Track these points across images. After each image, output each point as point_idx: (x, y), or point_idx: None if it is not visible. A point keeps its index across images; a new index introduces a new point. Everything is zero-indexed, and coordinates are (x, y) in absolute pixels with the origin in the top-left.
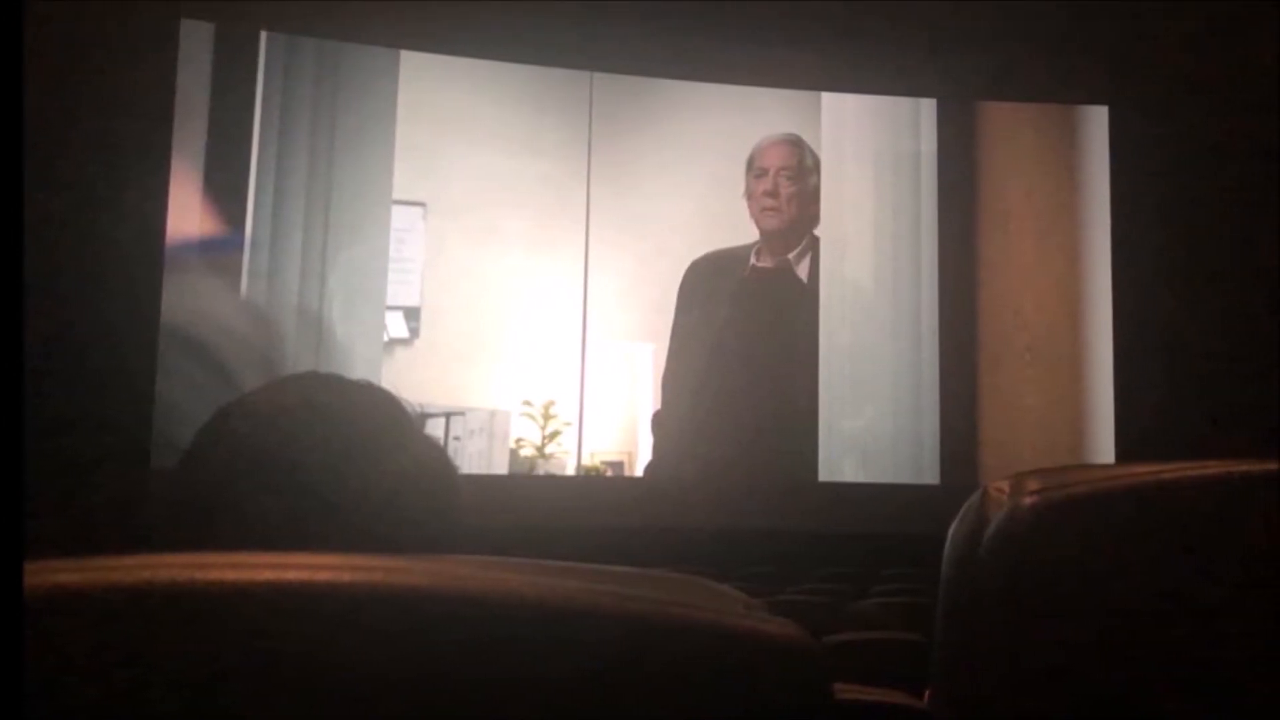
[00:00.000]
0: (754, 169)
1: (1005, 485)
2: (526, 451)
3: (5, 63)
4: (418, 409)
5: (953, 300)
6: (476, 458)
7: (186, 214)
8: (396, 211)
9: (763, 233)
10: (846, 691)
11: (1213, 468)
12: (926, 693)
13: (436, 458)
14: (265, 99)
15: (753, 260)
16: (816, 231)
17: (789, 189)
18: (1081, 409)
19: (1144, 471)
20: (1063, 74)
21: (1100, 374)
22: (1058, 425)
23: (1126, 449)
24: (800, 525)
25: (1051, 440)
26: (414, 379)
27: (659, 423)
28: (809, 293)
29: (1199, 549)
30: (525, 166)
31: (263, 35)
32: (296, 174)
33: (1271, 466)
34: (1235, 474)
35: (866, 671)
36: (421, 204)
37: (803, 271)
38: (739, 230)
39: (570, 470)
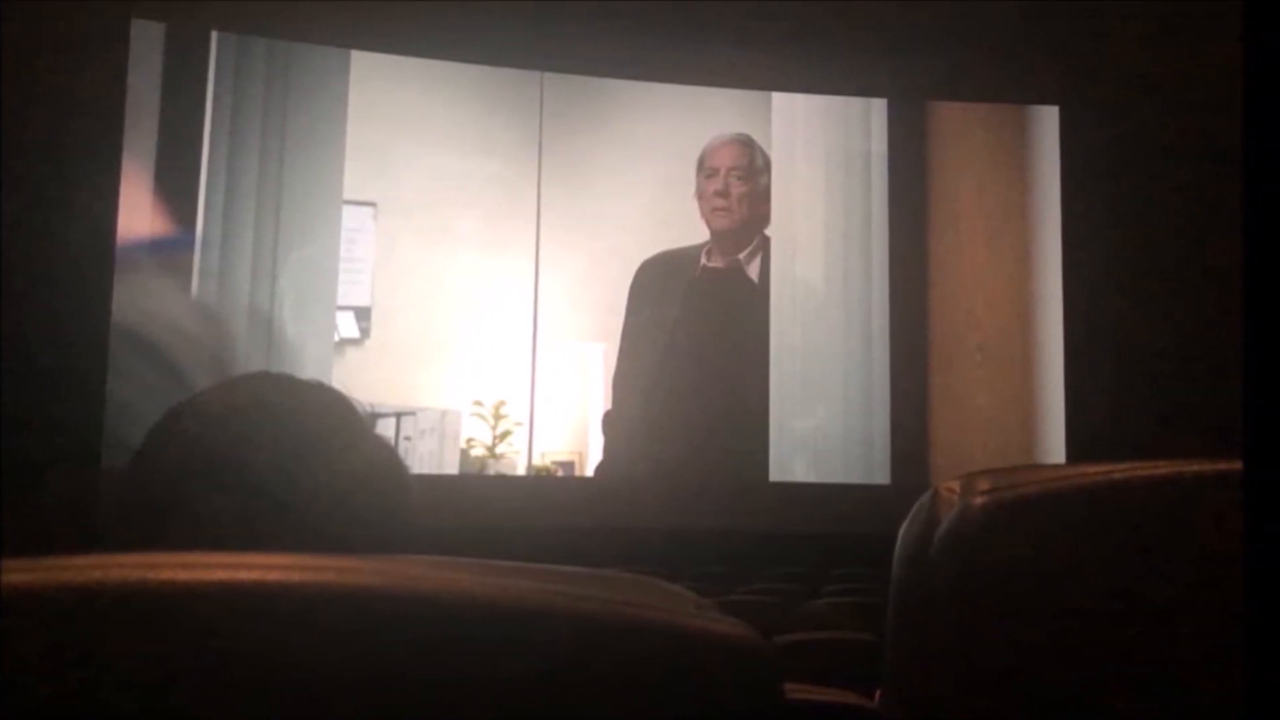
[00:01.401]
0: (704, 169)
1: (956, 485)
2: (477, 451)
3: None
4: (368, 409)
5: (903, 300)
6: (427, 458)
7: (137, 214)
8: (347, 211)
9: (713, 233)
10: (798, 692)
11: (1164, 467)
12: (877, 693)
13: (387, 458)
14: (216, 99)
15: (703, 260)
16: (767, 231)
17: (739, 189)
18: (1032, 409)
19: (1095, 471)
20: (1014, 74)
21: (1051, 373)
22: (1009, 425)
23: (1077, 449)
24: (751, 525)
25: (1002, 440)
26: (365, 379)
27: (610, 423)
28: (759, 293)
29: (1151, 549)
30: (476, 166)
31: (214, 35)
32: (247, 174)
33: (1223, 466)
34: (1186, 474)
35: (818, 672)
36: (372, 204)
37: (753, 271)
38: (689, 230)
39: (521, 470)
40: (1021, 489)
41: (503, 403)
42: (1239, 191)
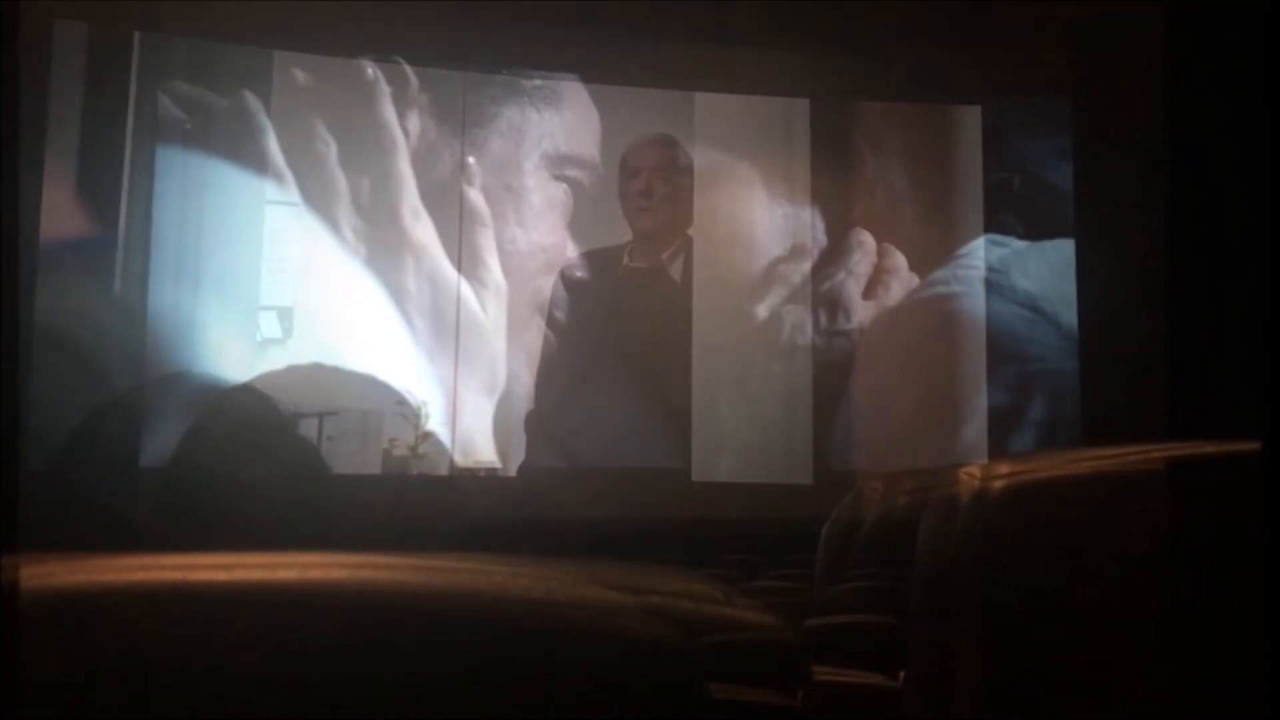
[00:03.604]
0: (627, 169)
1: (976, 470)
2: (399, 451)
3: None
4: (290, 409)
5: (827, 299)
6: (350, 458)
7: (60, 214)
8: (270, 211)
9: (636, 232)
10: (823, 673)
11: (1180, 450)
12: (901, 675)
13: (309, 458)
14: (139, 99)
15: (626, 260)
16: (690, 231)
17: (662, 189)
18: (955, 408)
19: (1108, 455)
20: (936, 74)
21: (973, 373)
22: (931, 424)
23: (998, 447)
24: (673, 525)
25: (925, 439)
26: (287, 379)
27: (532, 422)
28: (682, 292)
29: (1166, 530)
30: (399, 166)
31: (136, 35)
32: (170, 174)
33: (1237, 447)
34: (1198, 456)
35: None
36: (295, 204)
37: (676, 271)
38: (613, 230)
39: (443, 470)
40: (1038, 473)
41: (425, 403)
42: (1162, 191)
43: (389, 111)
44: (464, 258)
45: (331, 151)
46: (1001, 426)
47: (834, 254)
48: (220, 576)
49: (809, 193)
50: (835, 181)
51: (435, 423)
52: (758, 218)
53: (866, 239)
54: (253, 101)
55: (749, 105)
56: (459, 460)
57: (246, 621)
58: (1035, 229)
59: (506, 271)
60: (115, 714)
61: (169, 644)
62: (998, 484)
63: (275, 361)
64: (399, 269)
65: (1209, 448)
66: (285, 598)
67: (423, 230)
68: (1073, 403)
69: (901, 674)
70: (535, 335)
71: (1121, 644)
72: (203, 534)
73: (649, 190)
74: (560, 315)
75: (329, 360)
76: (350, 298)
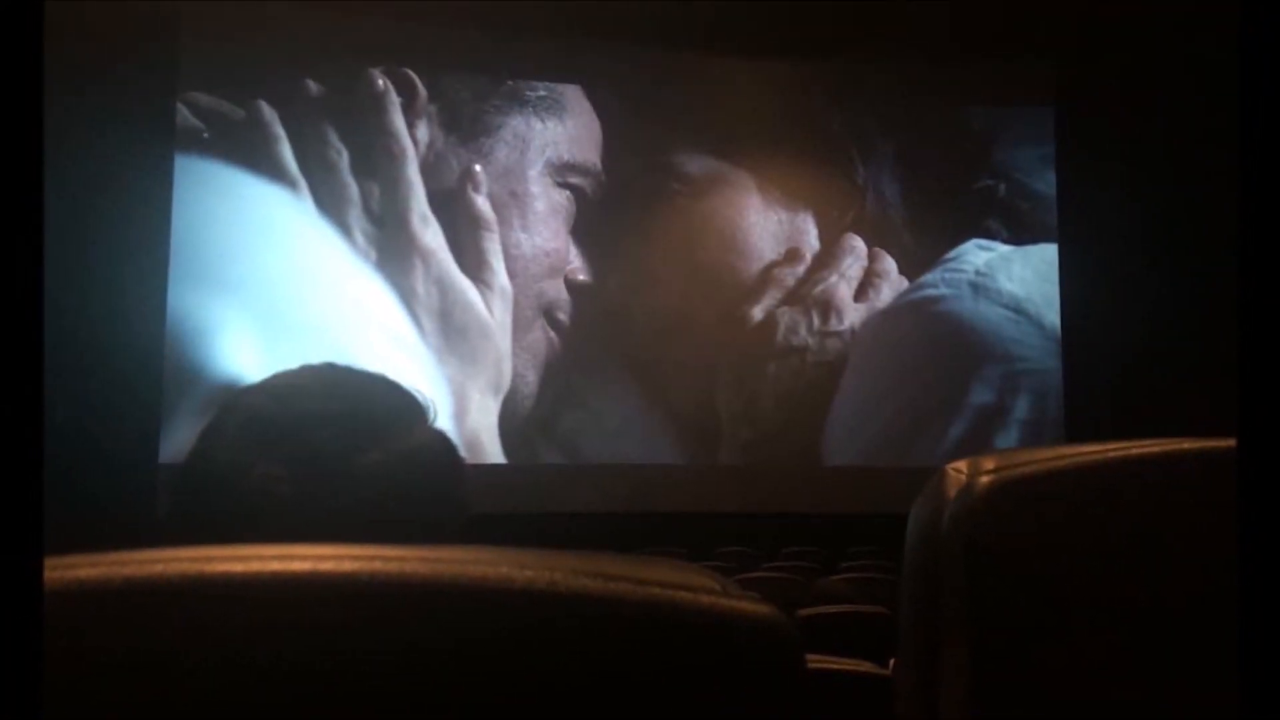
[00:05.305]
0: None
1: (964, 465)
2: None
3: None
4: (429, 401)
5: (819, 301)
6: None
7: (80, 218)
8: (284, 216)
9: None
10: (816, 662)
11: (1156, 446)
12: (891, 661)
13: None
14: (158, 108)
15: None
16: (689, 236)
17: None
18: (943, 406)
19: (1090, 451)
20: (925, 84)
21: (960, 372)
22: (920, 422)
23: (984, 443)
24: (673, 518)
25: (914, 437)
26: (300, 379)
27: (536, 420)
28: (682, 294)
29: (1145, 523)
30: (408, 173)
31: (155, 46)
32: (188, 181)
33: (1215, 445)
34: (1177, 452)
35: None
36: (308, 210)
37: (676, 274)
38: (614, 234)
39: None
40: (1022, 468)
41: (433, 402)
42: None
43: (399, 121)
44: (470, 262)
45: (343, 159)
46: (987, 424)
47: (827, 258)
48: (236, 568)
49: (803, 199)
50: (828, 188)
51: (443, 421)
52: (754, 223)
53: (858, 244)
54: (268, 111)
55: (746, 113)
56: (465, 457)
57: (261, 610)
58: (1020, 234)
59: (511, 275)
60: (135, 703)
61: (186, 632)
62: (984, 479)
63: (289, 362)
64: (408, 272)
65: (1187, 444)
66: (298, 588)
67: (431, 235)
68: (1056, 401)
69: (892, 661)
70: (539, 336)
71: (1103, 636)
72: (218, 528)
73: None
74: (563, 317)
75: (341, 360)
76: (361, 300)
